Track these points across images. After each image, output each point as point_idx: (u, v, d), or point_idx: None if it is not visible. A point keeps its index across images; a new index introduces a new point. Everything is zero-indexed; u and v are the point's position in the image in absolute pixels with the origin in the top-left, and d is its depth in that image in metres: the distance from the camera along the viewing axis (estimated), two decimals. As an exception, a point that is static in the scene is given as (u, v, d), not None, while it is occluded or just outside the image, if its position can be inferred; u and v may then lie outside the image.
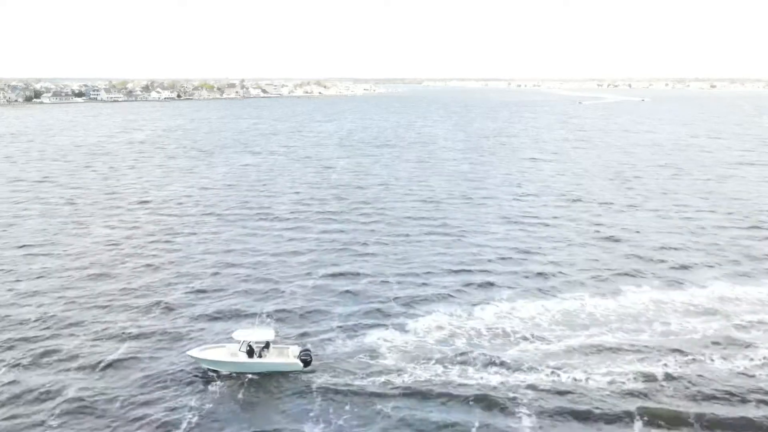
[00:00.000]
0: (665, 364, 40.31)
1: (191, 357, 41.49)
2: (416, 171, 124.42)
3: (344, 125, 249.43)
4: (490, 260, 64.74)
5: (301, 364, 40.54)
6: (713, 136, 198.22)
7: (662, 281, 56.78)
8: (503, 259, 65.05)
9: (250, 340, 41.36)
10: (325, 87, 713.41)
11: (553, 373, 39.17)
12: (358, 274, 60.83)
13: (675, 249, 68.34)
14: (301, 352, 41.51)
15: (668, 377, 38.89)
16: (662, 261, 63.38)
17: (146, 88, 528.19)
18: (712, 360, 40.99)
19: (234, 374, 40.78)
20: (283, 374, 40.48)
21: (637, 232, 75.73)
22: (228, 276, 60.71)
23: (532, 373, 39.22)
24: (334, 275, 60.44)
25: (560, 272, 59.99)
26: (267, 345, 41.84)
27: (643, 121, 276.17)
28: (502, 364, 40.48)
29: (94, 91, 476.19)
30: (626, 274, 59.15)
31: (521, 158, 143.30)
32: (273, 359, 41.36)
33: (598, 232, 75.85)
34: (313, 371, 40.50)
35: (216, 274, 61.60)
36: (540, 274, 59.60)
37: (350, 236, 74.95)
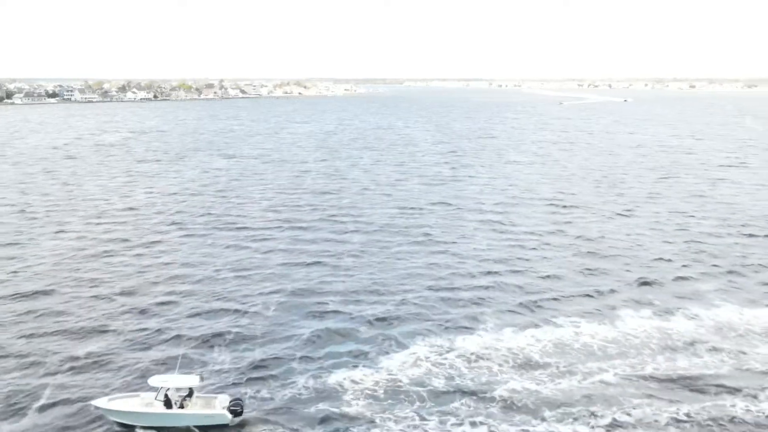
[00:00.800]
0: (677, 409, 34.55)
1: (97, 408, 34.77)
2: (395, 175, 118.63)
3: (323, 126, 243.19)
4: (473, 275, 59.07)
5: (230, 416, 33.99)
6: (698, 138, 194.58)
7: (663, 302, 51.15)
8: (488, 274, 59.36)
9: (169, 387, 34.77)
10: (305, 87, 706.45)
11: (549, 425, 33.28)
12: (328, 292, 54.89)
13: (672, 262, 63.05)
14: (231, 401, 34.84)
15: (683, 428, 33.22)
16: (660, 277, 57.91)
17: (122, 89, 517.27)
18: (733, 404, 35.24)
19: (149, 429, 34.18)
20: (210, 429, 34.06)
21: (630, 242, 70.45)
22: (183, 295, 54.52)
23: (524, 425, 33.20)
24: (301, 294, 54.46)
25: (550, 290, 54.32)
26: (190, 393, 35.34)
27: (627, 122, 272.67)
28: (489, 414, 34.46)
29: (68, 91, 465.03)
30: (623, 293, 53.53)
31: (504, 161, 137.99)
32: (196, 410, 34.74)
33: (588, 242, 70.48)
34: (245, 424, 34.12)
35: (170, 293, 55.35)
36: (529, 293, 53.88)
37: (322, 248, 69.01)
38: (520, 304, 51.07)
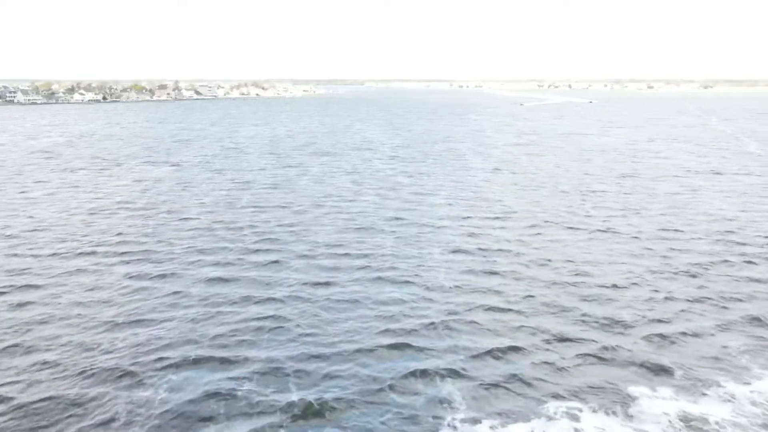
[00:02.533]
0: None
1: None
2: (348, 185, 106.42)
3: (276, 129, 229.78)
4: (434, 321, 47.40)
5: None
6: (669, 140, 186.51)
7: (683, 370, 39.03)
8: (453, 320, 47.77)
9: None
10: (263, 88, 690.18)
11: None
12: (245, 358, 42.03)
13: (675, 300, 52.10)
14: None
15: None
16: (669, 325, 46.59)
17: (71, 90, 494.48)
18: None
19: None
20: None
21: (621, 272, 59.45)
22: (37, 369, 41.01)
23: None
24: (209, 360, 41.57)
25: (535, 350, 42.58)
26: None
27: (594, 124, 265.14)
28: None
29: (10, 93, 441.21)
30: (627, 355, 41.59)
31: (468, 169, 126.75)
32: None
33: (572, 272, 59.29)
34: None
35: (48, 348, 42.63)
36: (508, 355, 41.98)
37: (253, 279, 56.87)
38: (499, 374, 38.90)
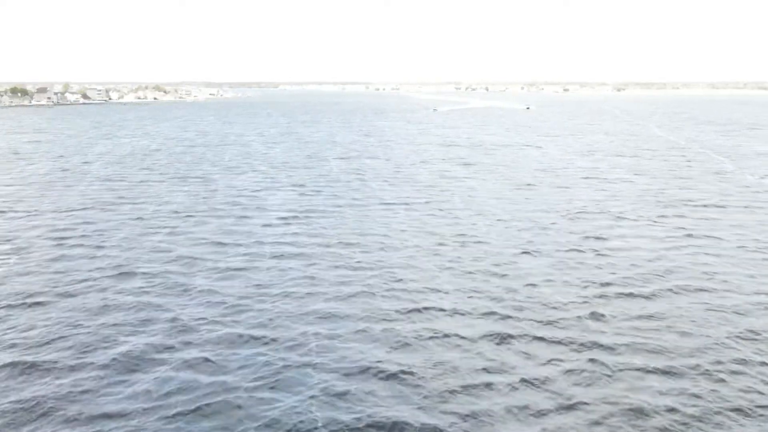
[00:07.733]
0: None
1: None
2: (187, 247, 68.27)
3: (148, 141, 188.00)
4: None
5: None
6: (619, 155, 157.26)
7: None
8: None
9: None
10: (163, 92, 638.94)
11: None
12: None
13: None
14: None
15: None
16: None
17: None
18: None
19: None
20: None
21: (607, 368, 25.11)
22: None
23: None
24: None
25: None
26: None
27: (527, 132, 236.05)
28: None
29: None
30: None
31: (375, 204, 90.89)
32: None
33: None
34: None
35: None
36: None
37: None
38: None
